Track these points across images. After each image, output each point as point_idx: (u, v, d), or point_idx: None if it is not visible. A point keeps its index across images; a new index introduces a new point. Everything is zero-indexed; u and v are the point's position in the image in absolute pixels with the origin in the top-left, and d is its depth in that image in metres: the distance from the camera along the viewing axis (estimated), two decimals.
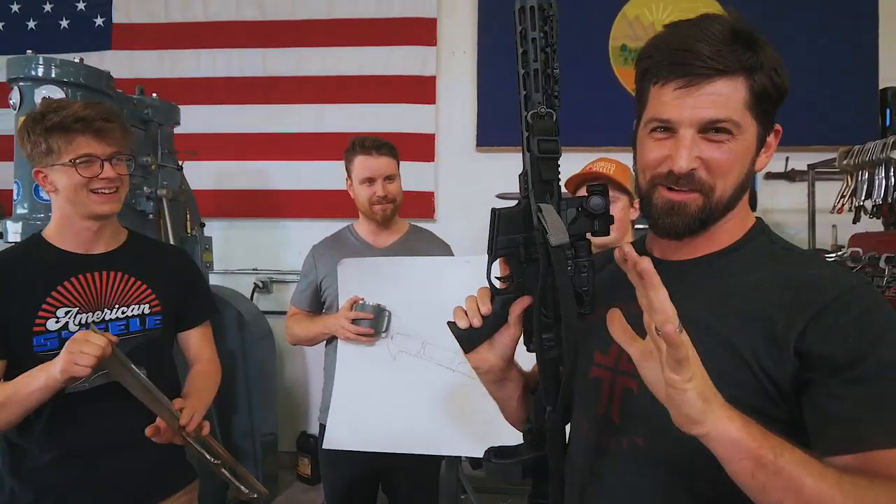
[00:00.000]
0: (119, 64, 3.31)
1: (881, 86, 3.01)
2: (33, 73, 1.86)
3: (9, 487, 1.21)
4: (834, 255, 2.39)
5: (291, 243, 3.37)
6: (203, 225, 2.60)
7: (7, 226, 1.88)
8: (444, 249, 1.79)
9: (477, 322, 0.73)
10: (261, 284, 3.33)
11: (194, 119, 2.87)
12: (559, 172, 0.69)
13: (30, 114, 1.18)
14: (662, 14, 3.24)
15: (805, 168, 2.98)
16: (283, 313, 3.24)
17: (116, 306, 1.25)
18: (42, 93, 1.85)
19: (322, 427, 1.67)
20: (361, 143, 1.66)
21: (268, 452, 2.79)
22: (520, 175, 0.70)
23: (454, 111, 3.33)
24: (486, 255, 0.72)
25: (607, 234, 0.71)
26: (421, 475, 1.70)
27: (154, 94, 2.42)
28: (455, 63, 3.34)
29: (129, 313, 1.26)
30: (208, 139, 3.17)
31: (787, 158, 3.16)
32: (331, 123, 3.28)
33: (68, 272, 1.20)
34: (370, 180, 1.65)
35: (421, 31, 3.28)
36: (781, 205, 3.24)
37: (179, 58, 3.35)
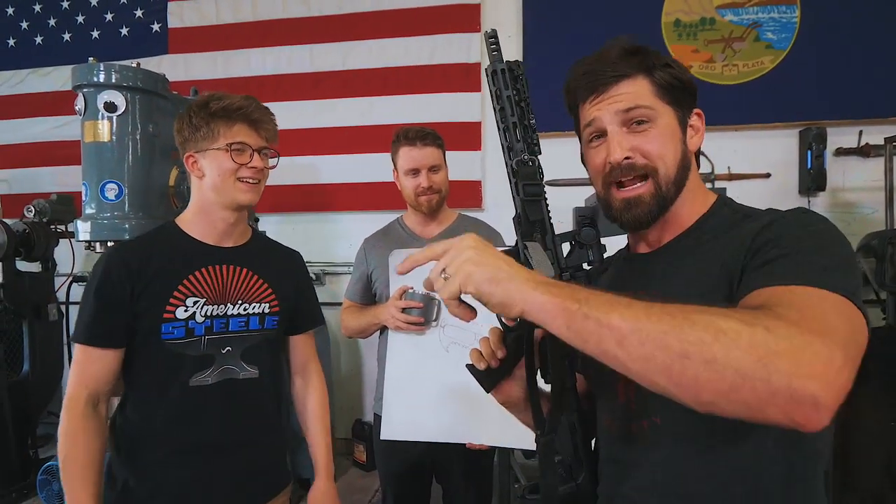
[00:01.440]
0: (175, 67, 3.46)
1: None
2: (95, 79, 1.96)
3: (122, 480, 1.19)
4: None
5: (342, 235, 3.44)
6: (257, 220, 2.68)
7: (78, 225, 1.99)
8: (493, 237, 1.76)
9: (494, 363, 0.78)
10: (314, 276, 3.40)
11: None
12: (548, 211, 0.77)
13: (192, 102, 1.22)
14: None
15: (881, 142, 2.76)
16: (336, 304, 3.34)
17: (239, 302, 1.25)
18: (104, 98, 1.95)
19: (377, 417, 1.69)
20: (405, 134, 1.65)
21: None
22: (513, 218, 0.78)
23: None
24: (539, 243, 0.75)
25: (601, 262, 0.80)
26: (473, 465, 1.70)
27: None
28: (501, 48, 3.28)
29: (251, 311, 1.27)
30: None
31: (860, 132, 2.95)
32: (378, 116, 3.31)
33: (200, 262, 1.22)
34: (415, 171, 1.65)
35: (464, 18, 3.24)
36: (854, 182, 3.02)
37: (231, 58, 3.46)
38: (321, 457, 1.40)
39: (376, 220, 1.99)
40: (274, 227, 3.33)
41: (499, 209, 3.24)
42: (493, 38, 0.77)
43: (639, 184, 0.78)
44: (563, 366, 0.77)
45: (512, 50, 3.25)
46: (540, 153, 0.77)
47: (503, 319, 0.76)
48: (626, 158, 0.77)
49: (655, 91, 0.78)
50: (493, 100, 0.77)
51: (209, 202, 1.22)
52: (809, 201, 3.02)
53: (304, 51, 3.38)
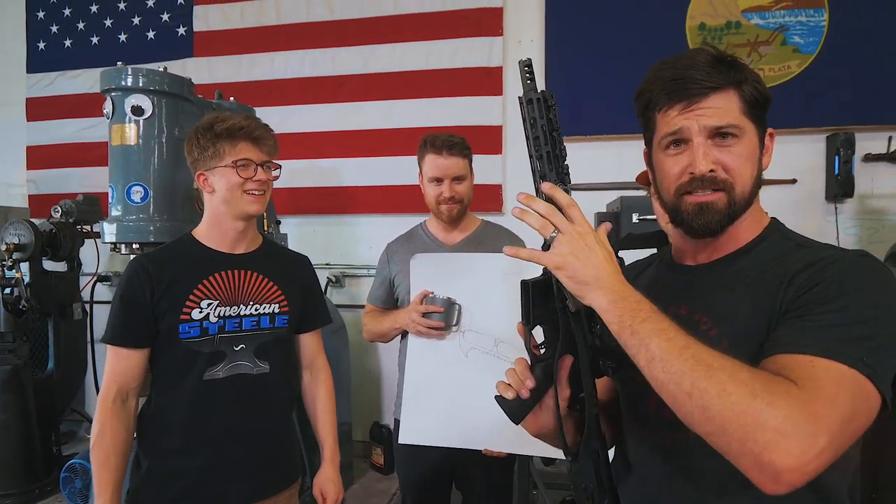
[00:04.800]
0: (200, 70, 3.51)
1: None
2: (122, 83, 2.00)
3: (145, 465, 1.31)
4: None
5: (362, 238, 3.45)
6: (279, 222, 2.71)
7: (104, 227, 2.03)
8: (516, 244, 1.74)
9: (525, 393, 0.78)
10: (334, 279, 3.43)
11: (269, 120, 2.94)
12: None
13: (198, 125, 1.34)
14: None
15: None
16: (356, 307, 3.38)
17: (251, 303, 1.36)
18: (131, 101, 1.98)
19: (397, 421, 1.69)
20: (433, 141, 1.65)
21: (342, 442, 2.85)
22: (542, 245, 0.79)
23: None
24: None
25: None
26: (493, 472, 1.69)
27: (232, 98, 2.53)
28: (522, 52, 3.27)
29: (262, 311, 1.38)
30: (282, 139, 3.22)
31: (889, 138, 2.88)
32: (399, 119, 3.32)
33: (213, 268, 1.34)
34: (438, 180, 1.65)
35: (487, 22, 3.24)
36: (883, 189, 2.95)
37: (255, 61, 3.51)
38: (328, 445, 1.49)
39: (397, 224, 1.99)
40: (295, 229, 3.35)
41: None
42: (528, 68, 0.77)
43: (713, 192, 0.78)
44: (594, 394, 0.78)
45: (534, 54, 3.24)
46: (570, 182, 0.79)
47: (530, 347, 0.80)
48: (710, 171, 0.77)
49: (743, 107, 0.77)
50: (526, 128, 0.78)
51: (220, 214, 1.34)
52: (836, 208, 2.96)
53: (327, 54, 3.41)
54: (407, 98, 3.32)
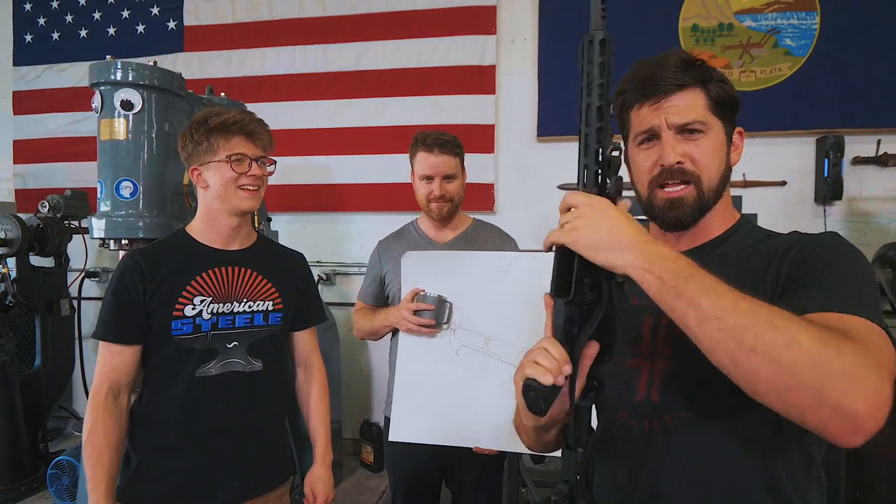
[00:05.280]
0: (190, 65, 3.48)
1: None
2: (112, 77, 1.96)
3: (135, 462, 1.30)
4: None
5: (353, 236, 3.44)
6: (270, 219, 2.69)
7: (92, 222, 2.00)
8: (507, 243, 1.76)
9: (561, 380, 0.70)
10: (324, 277, 3.42)
11: (260, 116, 2.97)
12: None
13: (193, 119, 1.32)
14: None
15: None
16: (346, 305, 3.37)
17: (245, 300, 1.35)
18: (120, 96, 1.96)
19: (387, 419, 1.69)
20: (424, 139, 1.64)
21: (332, 439, 2.85)
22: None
23: (514, 101, 3.27)
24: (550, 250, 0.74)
25: None
26: (483, 469, 1.69)
27: (223, 94, 2.51)
28: (515, 51, 3.28)
29: (255, 308, 1.37)
30: (274, 136, 3.27)
31: (878, 141, 2.91)
32: (391, 117, 3.31)
33: (207, 264, 1.32)
34: (429, 178, 1.65)
35: (480, 20, 3.23)
36: (871, 191, 2.98)
37: (246, 57, 3.48)
38: (319, 444, 1.49)
39: (389, 222, 1.98)
40: (285, 226, 3.34)
41: (511, 212, 3.23)
42: (604, 2, 0.73)
43: (682, 186, 0.83)
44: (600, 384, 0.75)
45: (527, 54, 3.25)
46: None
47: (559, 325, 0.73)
48: (678, 163, 0.82)
49: (709, 105, 0.83)
50: (593, 73, 0.69)
51: (214, 210, 1.32)
52: (825, 210, 2.98)
53: (319, 51, 3.39)
54: (399, 96, 3.30)
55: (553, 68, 3.16)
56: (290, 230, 3.33)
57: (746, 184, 3.01)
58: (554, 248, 0.72)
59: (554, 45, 3.16)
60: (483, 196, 3.23)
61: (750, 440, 0.78)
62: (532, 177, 3.23)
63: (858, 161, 2.95)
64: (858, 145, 2.93)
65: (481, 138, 3.23)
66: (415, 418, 1.55)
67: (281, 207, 3.34)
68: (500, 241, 1.75)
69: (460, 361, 1.55)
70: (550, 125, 3.17)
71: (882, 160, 2.90)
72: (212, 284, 1.31)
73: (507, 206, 3.28)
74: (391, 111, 3.32)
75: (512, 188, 3.29)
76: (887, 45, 2.87)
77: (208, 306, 1.30)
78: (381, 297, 1.76)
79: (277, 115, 3.33)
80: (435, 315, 1.55)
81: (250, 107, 2.63)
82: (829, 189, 2.90)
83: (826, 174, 2.92)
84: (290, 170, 3.39)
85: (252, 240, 1.42)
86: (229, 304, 1.32)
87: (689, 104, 0.82)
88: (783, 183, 3.03)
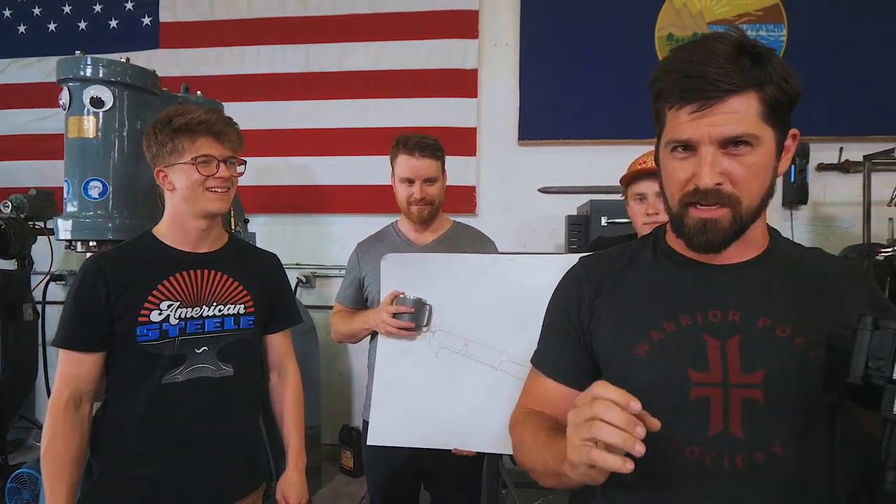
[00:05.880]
0: (166, 62, 3.41)
1: None
2: (81, 73, 1.90)
3: (97, 472, 1.25)
4: (890, 249, 2.26)
5: (334, 238, 3.41)
6: (247, 221, 2.65)
7: (58, 223, 1.94)
8: (487, 246, 1.76)
9: (640, 449, 0.59)
10: (304, 279, 3.38)
11: (238, 116, 2.89)
12: None
13: (156, 119, 1.27)
14: (711, 0, 3.11)
15: (861, 159, 2.84)
16: (326, 308, 3.33)
17: (214, 304, 1.32)
18: (90, 93, 1.90)
19: (366, 423, 1.67)
20: (405, 142, 1.64)
21: (311, 445, 2.82)
22: None
23: (496, 105, 3.29)
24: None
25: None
26: (462, 471, 1.69)
27: (199, 93, 2.46)
28: (497, 56, 3.30)
29: (226, 312, 1.33)
30: (252, 136, 3.16)
31: (840, 149, 3.01)
32: (373, 118, 3.30)
33: (174, 268, 1.28)
34: (409, 181, 1.64)
35: (462, 24, 3.25)
36: (834, 197, 3.09)
37: (224, 55, 3.42)
38: (292, 449, 1.46)
39: (370, 224, 1.97)
40: (263, 228, 3.29)
41: (492, 215, 3.24)
42: None
43: (716, 207, 0.72)
44: None
45: (509, 58, 3.27)
46: None
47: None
48: (717, 184, 0.71)
49: (762, 112, 0.70)
50: None
51: (181, 212, 1.29)
52: (792, 214, 3.08)
53: (300, 50, 3.36)
54: (382, 97, 3.29)
55: (534, 73, 3.19)
56: (268, 232, 3.28)
57: None
58: None
59: (535, 50, 3.19)
60: (465, 199, 3.23)
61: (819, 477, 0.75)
62: (513, 180, 3.25)
63: (822, 167, 3.05)
64: (823, 152, 3.03)
65: (463, 141, 3.24)
66: (394, 421, 1.54)
67: (259, 209, 3.29)
68: (480, 243, 1.76)
69: (440, 363, 1.54)
70: (532, 129, 3.20)
71: (844, 167, 3.01)
72: (180, 288, 1.27)
73: (488, 208, 3.30)
74: (374, 113, 3.30)
75: (493, 191, 3.30)
76: (849, 58, 2.98)
77: (176, 311, 1.26)
78: (360, 300, 1.75)
79: (256, 114, 3.29)
80: (414, 317, 1.54)
81: (228, 106, 2.59)
82: (795, 194, 3.01)
83: (793, 180, 3.02)
84: (270, 170, 3.34)
85: (223, 242, 1.38)
86: (198, 309, 1.29)
87: (739, 114, 0.69)
88: None
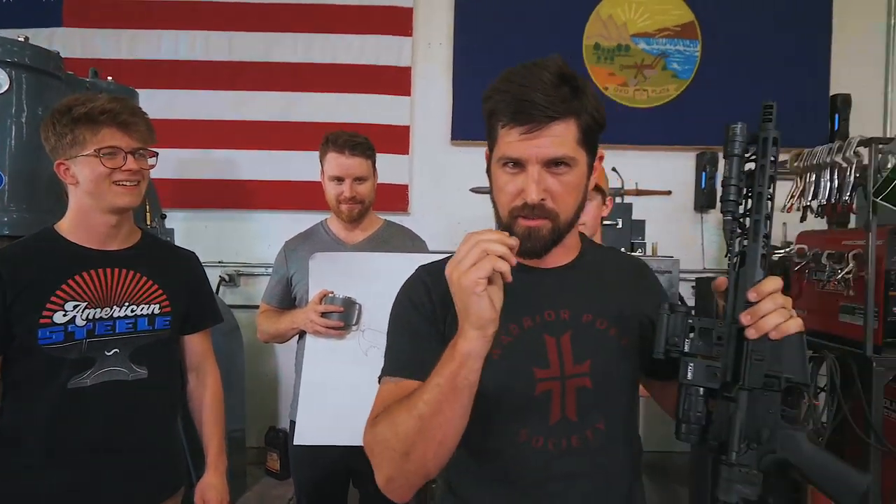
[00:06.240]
0: (71, 42, 3.14)
1: (832, 93, 3.17)
2: None
3: None
4: (783, 250, 2.50)
5: (260, 235, 3.30)
6: (164, 216, 2.51)
7: None
8: (418, 245, 1.77)
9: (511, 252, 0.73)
10: (227, 278, 3.24)
11: (155, 104, 2.73)
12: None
13: (55, 107, 1.19)
14: (635, 14, 3.29)
15: None
16: (252, 307, 3.22)
17: (126, 304, 1.26)
18: None
19: (293, 423, 1.64)
20: (335, 139, 1.62)
21: (235, 448, 2.74)
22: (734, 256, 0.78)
23: (429, 104, 3.30)
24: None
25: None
26: None
27: (110, 78, 2.31)
28: (431, 55, 3.32)
29: (139, 312, 1.27)
30: (169, 126, 3.03)
31: None
32: (302, 113, 3.22)
33: (80, 267, 1.21)
34: (339, 179, 1.63)
35: (397, 21, 3.24)
36: None
37: (139, 38, 3.21)
38: (211, 451, 1.43)
39: (298, 221, 1.93)
40: (182, 224, 3.11)
41: (424, 214, 3.26)
42: (770, 107, 0.79)
43: (540, 219, 0.82)
44: None
45: (443, 58, 3.30)
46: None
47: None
48: (541, 199, 0.80)
49: (578, 137, 0.80)
50: (768, 168, 0.77)
51: (87, 207, 1.22)
52: (702, 217, 3.33)
53: (223, 38, 3.21)
54: (312, 91, 3.22)
55: (468, 74, 3.24)
56: (187, 228, 3.12)
57: (639, 192, 3.27)
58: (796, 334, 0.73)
59: (469, 51, 3.25)
60: (397, 197, 3.23)
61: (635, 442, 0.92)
62: (446, 179, 3.28)
63: None
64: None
65: (396, 139, 3.23)
66: (321, 421, 1.52)
67: (177, 203, 3.11)
68: (411, 242, 1.77)
69: (369, 362, 1.54)
70: (465, 129, 3.24)
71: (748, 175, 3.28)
72: (87, 288, 1.20)
73: (420, 207, 3.31)
74: (302, 106, 3.22)
75: (426, 190, 3.32)
76: (757, 74, 3.26)
77: (83, 312, 1.19)
78: (288, 299, 1.71)
79: (174, 103, 3.12)
80: (344, 317, 1.53)
81: (143, 93, 2.44)
82: (705, 199, 3.27)
83: (703, 186, 3.27)
84: (189, 163, 3.18)
85: (135, 239, 1.32)
86: (108, 309, 1.22)
87: (561, 138, 0.78)
88: (669, 192, 3.33)
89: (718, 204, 2.86)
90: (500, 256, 0.69)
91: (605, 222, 1.80)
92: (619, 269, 0.96)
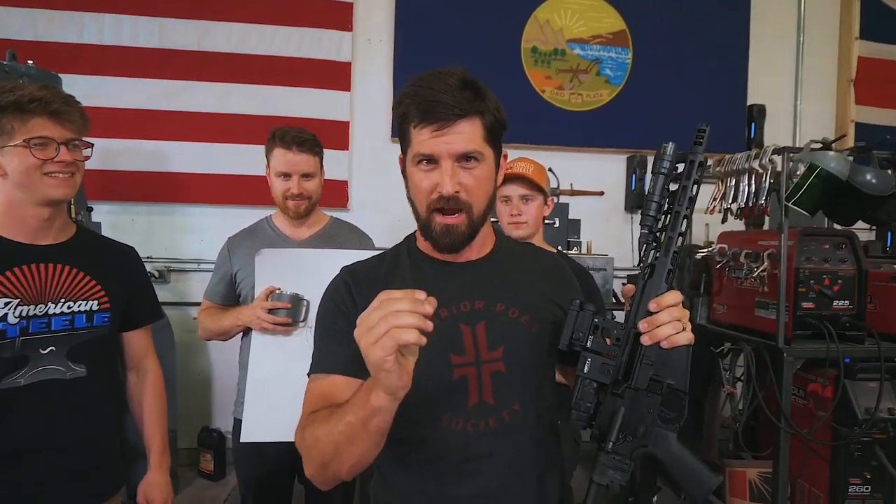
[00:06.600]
0: None
1: (749, 103, 3.44)
2: None
3: None
4: (706, 249, 2.70)
5: (192, 230, 3.17)
6: (91, 209, 2.37)
7: None
8: (365, 242, 1.78)
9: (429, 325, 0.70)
10: (156, 274, 3.09)
11: (78, 91, 2.53)
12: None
13: None
14: (570, 20, 3.43)
15: None
16: (182, 304, 3.10)
17: (62, 301, 1.21)
18: None
19: (237, 421, 1.61)
20: (282, 135, 1.60)
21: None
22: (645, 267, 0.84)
23: (369, 100, 3.29)
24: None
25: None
26: None
27: (30, 62, 2.16)
28: (371, 51, 3.31)
29: (76, 309, 1.22)
30: (95, 114, 2.77)
31: None
32: (237, 104, 3.12)
33: (11, 262, 1.16)
34: (286, 175, 1.61)
35: (336, 15, 3.20)
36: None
37: (58, 19, 2.98)
38: (154, 450, 1.40)
39: (233, 216, 1.89)
40: (108, 217, 2.95)
41: (364, 210, 3.25)
42: (703, 131, 0.83)
43: (457, 215, 0.88)
44: None
45: (383, 55, 3.30)
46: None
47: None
48: (455, 192, 0.86)
49: (484, 134, 0.87)
50: (690, 189, 0.82)
51: (17, 200, 1.17)
52: (632, 217, 3.53)
53: (152, 24, 3.05)
54: (248, 83, 3.13)
55: (408, 71, 3.20)
56: (114, 221, 2.95)
57: (573, 192, 3.41)
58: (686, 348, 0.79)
59: (409, 49, 3.26)
60: (336, 193, 3.20)
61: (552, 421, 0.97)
62: (386, 176, 3.27)
63: None
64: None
65: (335, 135, 3.19)
66: (269, 417, 1.50)
67: (103, 195, 2.94)
68: (358, 239, 1.77)
69: None
70: None
71: (674, 178, 3.51)
72: (18, 284, 1.15)
73: (360, 203, 3.30)
74: (239, 98, 3.12)
75: (365, 187, 3.31)
76: (682, 83, 3.49)
77: (15, 309, 1.14)
78: (231, 297, 1.68)
79: (99, 90, 2.94)
80: (291, 313, 1.51)
81: (65, 78, 2.30)
82: (635, 200, 3.46)
83: (633, 187, 3.45)
84: (116, 154, 3.00)
85: (70, 232, 1.27)
86: (42, 306, 1.17)
87: (469, 133, 0.85)
88: (601, 193, 3.50)
89: None
90: (412, 323, 0.65)
91: (545, 221, 1.88)
92: (534, 262, 1.02)
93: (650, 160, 3.37)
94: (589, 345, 0.82)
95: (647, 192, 0.84)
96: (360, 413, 0.73)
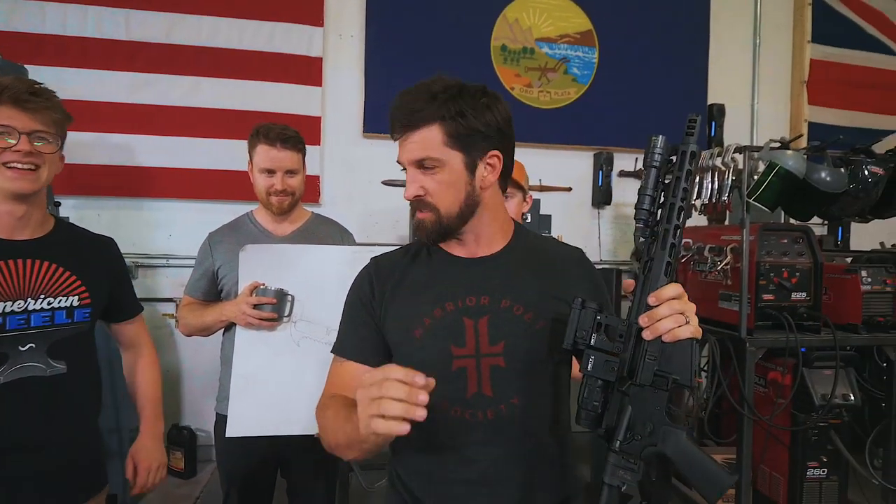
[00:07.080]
0: None
1: (709, 102, 3.59)
2: None
3: None
4: None
5: (160, 225, 3.11)
6: (59, 203, 2.31)
7: None
8: (347, 238, 1.80)
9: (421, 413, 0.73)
10: None
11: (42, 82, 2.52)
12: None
13: None
14: (538, 19, 3.50)
15: None
16: (152, 300, 3.05)
17: (42, 297, 1.19)
18: None
19: (220, 416, 1.62)
20: (266, 132, 1.60)
21: None
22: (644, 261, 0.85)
23: (341, 96, 3.29)
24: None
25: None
26: (321, 456, 1.71)
27: None
28: (343, 47, 3.30)
29: (57, 305, 1.21)
30: None
31: (636, 159, 3.63)
32: (207, 99, 3.07)
33: None
34: (270, 171, 1.62)
35: (307, 10, 3.18)
36: (631, 199, 3.67)
37: (19, 9, 2.87)
38: (146, 417, 1.42)
39: (203, 211, 1.88)
40: (74, 211, 2.87)
41: (335, 205, 3.25)
42: (694, 121, 0.82)
43: (424, 211, 0.94)
44: None
45: (354, 50, 3.29)
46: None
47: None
48: (417, 196, 0.93)
49: (445, 140, 0.90)
50: (684, 180, 0.81)
51: None
52: (599, 213, 3.64)
53: (119, 15, 2.97)
54: (218, 77, 3.08)
55: (379, 68, 3.26)
56: (79, 216, 2.87)
57: (542, 188, 3.50)
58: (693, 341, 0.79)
59: (380, 45, 3.27)
60: (308, 188, 3.13)
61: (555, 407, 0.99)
62: (357, 171, 3.30)
63: (623, 174, 3.65)
64: (624, 161, 3.62)
65: (306, 130, 3.11)
66: (255, 412, 1.52)
67: (68, 189, 2.86)
68: (340, 235, 1.80)
69: (301, 352, 1.56)
70: (376, 122, 3.27)
71: (639, 174, 3.64)
72: None
73: (332, 199, 3.30)
74: (208, 92, 3.07)
75: (337, 182, 3.31)
76: (646, 83, 3.60)
77: None
78: (213, 292, 1.68)
79: (64, 82, 2.84)
80: (276, 308, 1.53)
81: (30, 69, 2.22)
82: (601, 196, 3.57)
83: (600, 184, 3.56)
84: (81, 147, 2.91)
85: (48, 227, 1.25)
86: (21, 302, 1.16)
87: (423, 141, 0.89)
88: (569, 189, 3.60)
89: (614, 200, 3.20)
90: (399, 414, 0.69)
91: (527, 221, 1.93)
92: (551, 258, 1.03)
93: (617, 157, 3.53)
94: (593, 342, 0.81)
95: (639, 188, 0.84)
96: (354, 435, 0.79)
